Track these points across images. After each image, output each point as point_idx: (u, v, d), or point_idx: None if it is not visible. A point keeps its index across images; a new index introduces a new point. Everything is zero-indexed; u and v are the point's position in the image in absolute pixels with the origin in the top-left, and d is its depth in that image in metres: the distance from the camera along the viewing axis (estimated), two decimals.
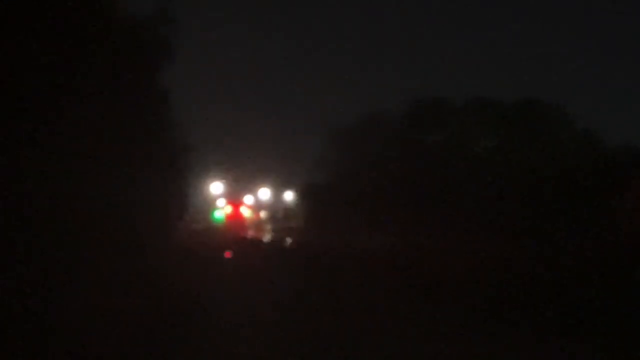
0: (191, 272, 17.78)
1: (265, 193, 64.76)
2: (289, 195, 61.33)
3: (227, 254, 27.14)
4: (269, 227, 56.76)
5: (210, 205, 48.58)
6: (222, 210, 42.84)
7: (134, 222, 20.11)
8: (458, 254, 21.47)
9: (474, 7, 77.43)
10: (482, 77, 62.08)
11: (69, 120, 16.10)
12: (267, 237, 45.23)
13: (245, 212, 43.35)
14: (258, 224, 46.10)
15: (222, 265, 22.84)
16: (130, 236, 19.00)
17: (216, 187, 58.28)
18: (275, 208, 64.07)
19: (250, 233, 42.52)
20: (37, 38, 14.54)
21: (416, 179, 30.08)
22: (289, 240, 38.70)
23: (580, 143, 28.41)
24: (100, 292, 12.60)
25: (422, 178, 29.75)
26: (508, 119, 30.20)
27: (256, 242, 37.66)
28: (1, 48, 14.01)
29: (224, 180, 59.58)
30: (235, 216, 42.51)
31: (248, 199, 64.27)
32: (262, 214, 62.31)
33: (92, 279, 13.85)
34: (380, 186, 32.62)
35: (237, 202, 42.58)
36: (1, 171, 13.97)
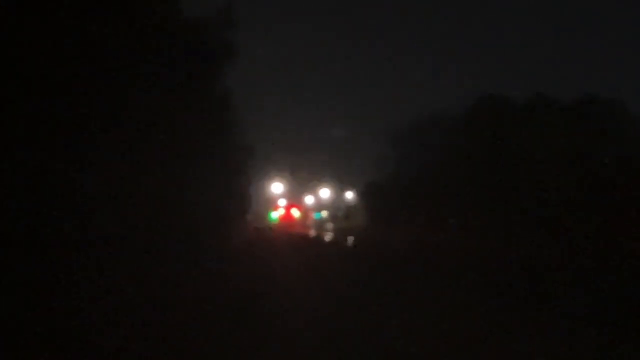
0: (248, 267, 18.12)
1: (326, 193, 65.25)
2: (349, 195, 61.43)
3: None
4: (330, 226, 57.08)
5: (270, 204, 53.87)
6: (276, 212, 50.22)
7: (194, 219, 20.39)
8: (521, 251, 21.14)
9: (532, 6, 75.98)
10: (543, 75, 60.98)
11: (130, 120, 16.40)
12: (328, 236, 45.81)
13: (296, 213, 51.14)
14: (307, 223, 52.46)
15: (278, 258, 23.14)
16: (189, 233, 19.27)
17: (277, 187, 59.61)
18: (337, 207, 64.27)
19: (300, 230, 48.06)
20: (100, 38, 14.87)
21: (477, 177, 29.66)
22: (350, 239, 38.63)
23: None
24: (159, 285, 12.84)
25: (482, 176, 29.31)
26: (570, 116, 29.51)
27: (305, 237, 42.11)
28: (64, 48, 14.30)
29: (284, 180, 60.48)
30: (287, 216, 50.04)
31: (309, 199, 65.21)
32: (324, 214, 63.42)
33: (153, 274, 14.10)
34: (441, 184, 32.30)
35: (288, 205, 50.11)
36: (66, 171, 14.30)
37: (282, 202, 59.70)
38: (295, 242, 35.39)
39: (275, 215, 50.77)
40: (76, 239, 13.91)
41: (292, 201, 51.64)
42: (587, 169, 25.23)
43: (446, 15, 76.03)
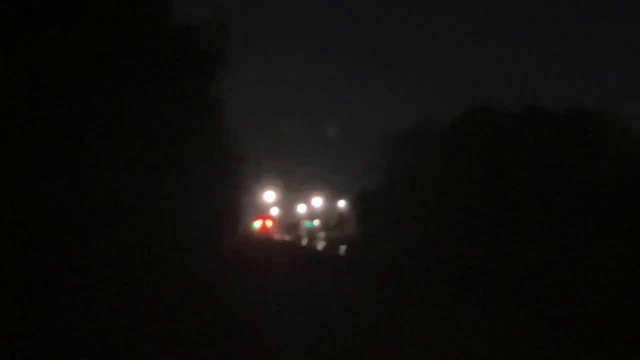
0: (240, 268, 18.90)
1: (318, 201, 65.49)
2: (342, 203, 61.55)
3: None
4: (322, 235, 57.11)
5: (262, 212, 58.54)
6: (257, 222, 65.06)
7: (185, 228, 20.53)
8: (511, 259, 21.37)
9: (528, 17, 76.59)
10: (536, 86, 61.55)
11: (124, 131, 16.49)
12: (320, 245, 45.95)
13: (269, 223, 66.06)
14: (276, 230, 66.69)
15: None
16: (180, 242, 19.43)
17: (269, 196, 60.70)
18: (329, 216, 64.38)
19: (274, 236, 61.01)
20: (92, 46, 14.98)
21: (467, 186, 29.83)
22: (342, 248, 38.67)
23: (633, 152, 27.63)
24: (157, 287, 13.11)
25: (473, 185, 29.48)
26: (560, 127, 29.63)
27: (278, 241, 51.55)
28: (58, 57, 14.38)
29: (277, 189, 61.07)
30: (264, 226, 64.78)
31: (301, 208, 65.59)
32: (316, 222, 64.01)
33: (151, 276, 14.38)
34: (431, 193, 32.44)
35: (264, 217, 65.86)
36: (68, 185, 14.42)
37: (274, 211, 62.18)
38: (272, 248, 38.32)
39: (257, 224, 64.78)
40: (70, 242, 14.07)
41: (268, 214, 66.99)
42: (576, 180, 25.41)
43: (441, 24, 76.57)
